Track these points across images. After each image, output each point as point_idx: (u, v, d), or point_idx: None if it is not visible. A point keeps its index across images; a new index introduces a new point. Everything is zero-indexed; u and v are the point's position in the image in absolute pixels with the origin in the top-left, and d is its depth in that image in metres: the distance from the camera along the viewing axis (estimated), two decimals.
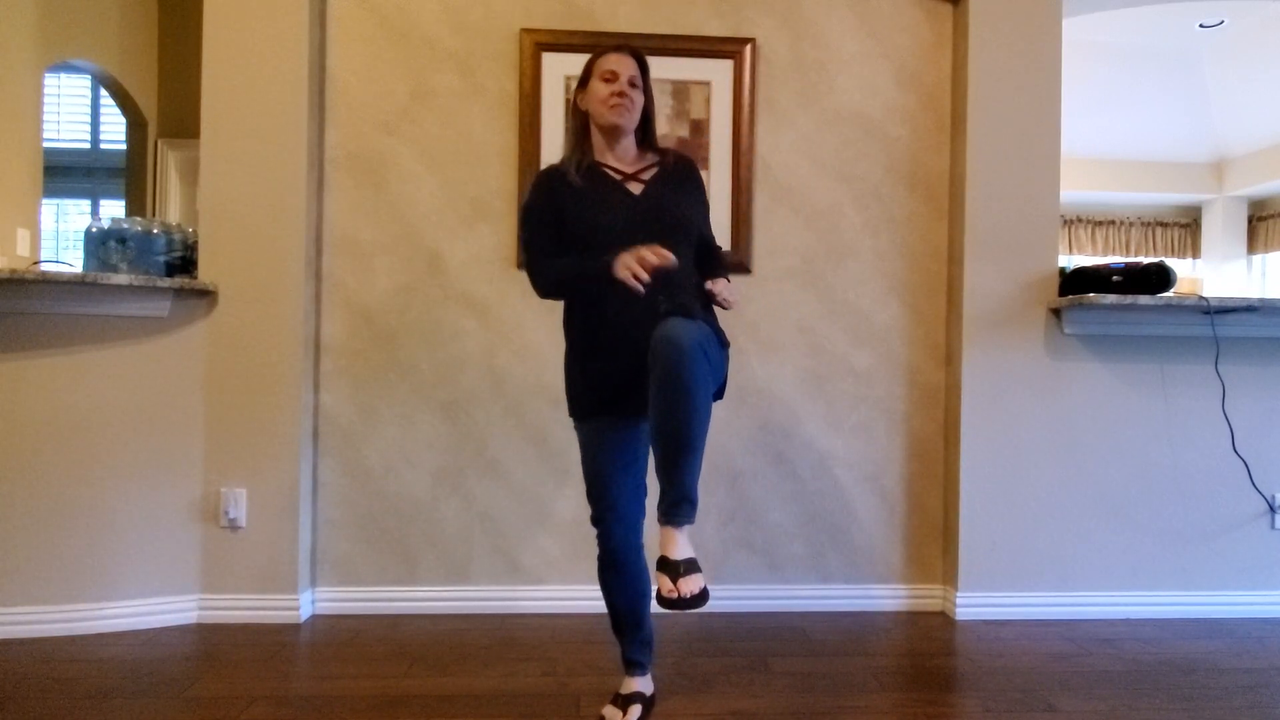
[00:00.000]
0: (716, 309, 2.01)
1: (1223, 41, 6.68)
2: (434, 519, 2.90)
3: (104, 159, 6.97)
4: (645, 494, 2.06)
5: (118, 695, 2.17)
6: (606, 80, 1.99)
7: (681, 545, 1.75)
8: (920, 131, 3.02)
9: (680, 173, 2.08)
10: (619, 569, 2.05)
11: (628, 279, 1.78)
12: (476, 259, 2.92)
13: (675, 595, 1.69)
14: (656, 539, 1.79)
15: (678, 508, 1.75)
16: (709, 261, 2.09)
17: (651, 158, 2.08)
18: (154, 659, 2.42)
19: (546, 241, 1.99)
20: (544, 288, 2.02)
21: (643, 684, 2.09)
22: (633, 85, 2.00)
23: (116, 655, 2.44)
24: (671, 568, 1.73)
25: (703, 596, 1.71)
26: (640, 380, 1.87)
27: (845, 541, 3.00)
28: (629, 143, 2.06)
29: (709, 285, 1.97)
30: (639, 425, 2.01)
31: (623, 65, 2.00)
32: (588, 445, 2.04)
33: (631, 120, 2.02)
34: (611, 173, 2.03)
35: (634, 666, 2.09)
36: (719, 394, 1.97)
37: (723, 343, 1.99)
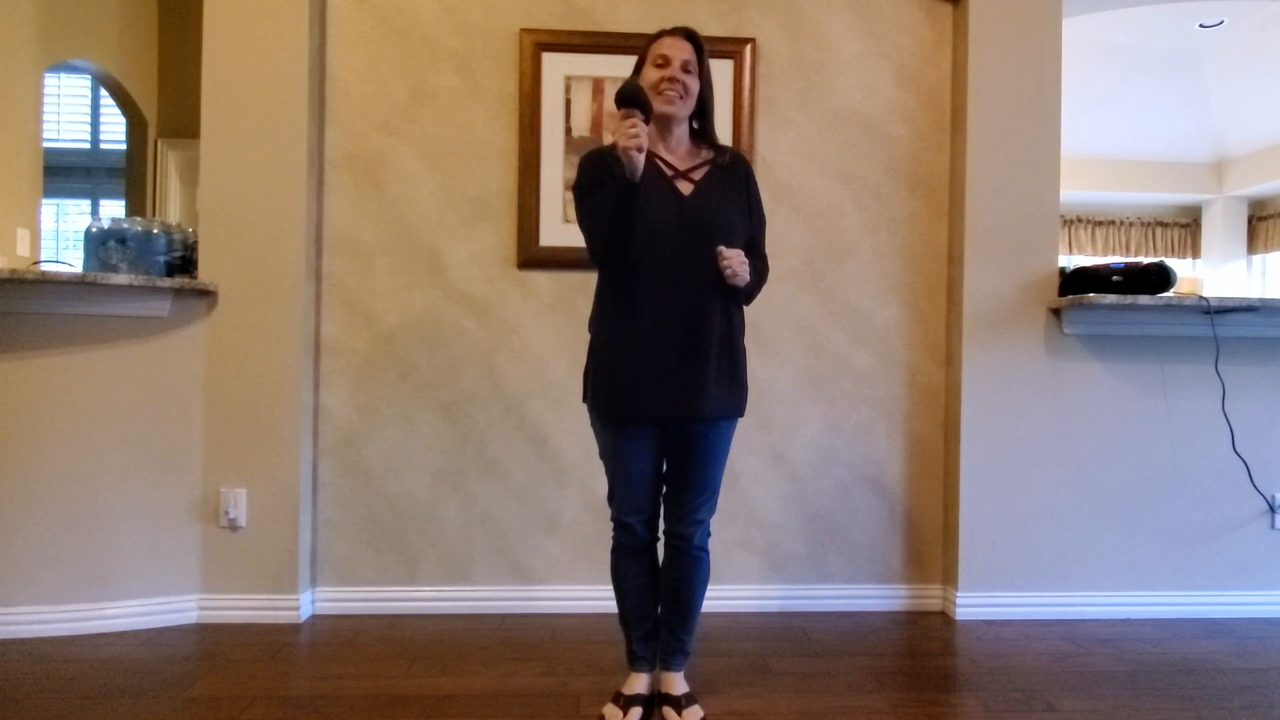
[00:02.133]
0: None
1: (1223, 41, 6.68)
2: (434, 519, 2.90)
3: (104, 159, 6.98)
4: (661, 482, 2.06)
5: (118, 695, 2.17)
6: (659, 65, 1.91)
7: (679, 682, 2.08)
8: (920, 131, 3.02)
9: (734, 175, 2.00)
10: (639, 559, 2.06)
11: (630, 152, 1.74)
12: (476, 259, 2.92)
13: None
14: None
15: (676, 657, 2.09)
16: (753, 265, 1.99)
17: (706, 154, 2.00)
18: (154, 659, 2.42)
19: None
20: (597, 243, 1.90)
21: (643, 684, 2.09)
22: (686, 71, 1.91)
23: (116, 655, 2.44)
24: (674, 702, 2.04)
25: None
26: (662, 415, 1.93)
27: (845, 541, 3.00)
28: (682, 133, 1.98)
29: (719, 251, 1.87)
30: (663, 428, 1.98)
31: (676, 49, 1.91)
32: (613, 448, 2.00)
33: (685, 108, 1.93)
34: (663, 166, 1.95)
35: (640, 660, 2.10)
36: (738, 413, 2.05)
37: (741, 410, 2.03)
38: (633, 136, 1.73)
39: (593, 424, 2.04)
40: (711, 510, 2.05)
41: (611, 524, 2.07)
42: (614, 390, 1.93)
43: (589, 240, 1.93)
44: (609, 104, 2.91)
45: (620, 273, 1.92)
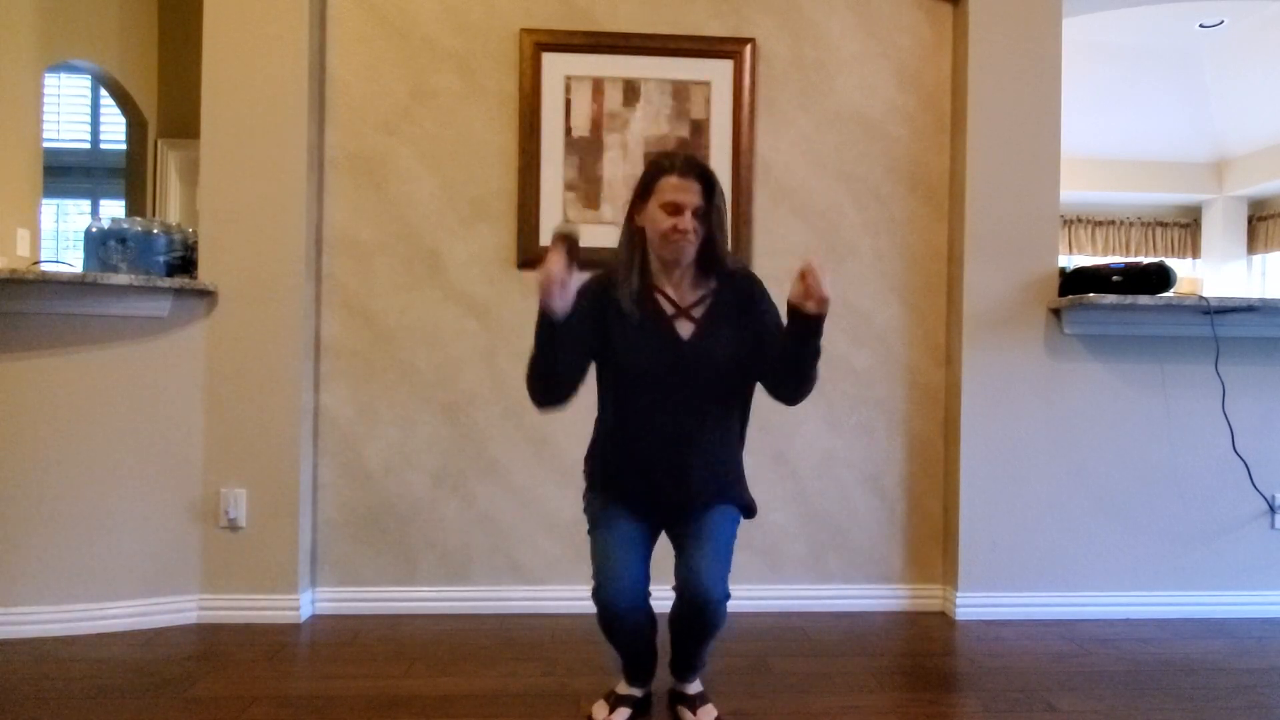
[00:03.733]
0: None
1: (1223, 41, 6.68)
2: (434, 519, 2.90)
3: (104, 159, 6.98)
4: (648, 568, 1.97)
5: (118, 695, 2.17)
6: (668, 212, 1.82)
7: (694, 686, 2.08)
8: (920, 131, 3.02)
9: (738, 302, 1.92)
10: (621, 628, 1.92)
11: (542, 294, 1.69)
12: (476, 259, 2.92)
13: None
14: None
15: (691, 671, 2.07)
16: (784, 343, 1.87)
17: (710, 285, 1.93)
18: (154, 659, 2.42)
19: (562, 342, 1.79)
20: (535, 391, 1.84)
21: (637, 689, 2.10)
22: (696, 216, 1.83)
23: (116, 655, 2.44)
24: (689, 701, 2.05)
25: None
26: (661, 516, 1.97)
27: (845, 541, 3.00)
28: (688, 267, 1.91)
29: (803, 269, 1.71)
30: (661, 520, 1.99)
31: (687, 195, 1.81)
32: (598, 521, 1.96)
33: (693, 252, 1.87)
34: (664, 303, 1.90)
35: (634, 680, 2.09)
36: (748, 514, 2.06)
37: (747, 512, 2.04)
38: (543, 272, 1.67)
39: (585, 508, 2.04)
40: (723, 575, 1.90)
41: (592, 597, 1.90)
42: (613, 482, 1.99)
43: (529, 378, 1.84)
44: (609, 104, 2.91)
45: (616, 403, 1.94)
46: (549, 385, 1.83)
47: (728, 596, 1.87)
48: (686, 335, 1.90)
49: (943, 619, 2.92)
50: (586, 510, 2.04)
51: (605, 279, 1.93)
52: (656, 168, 1.87)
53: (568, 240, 1.70)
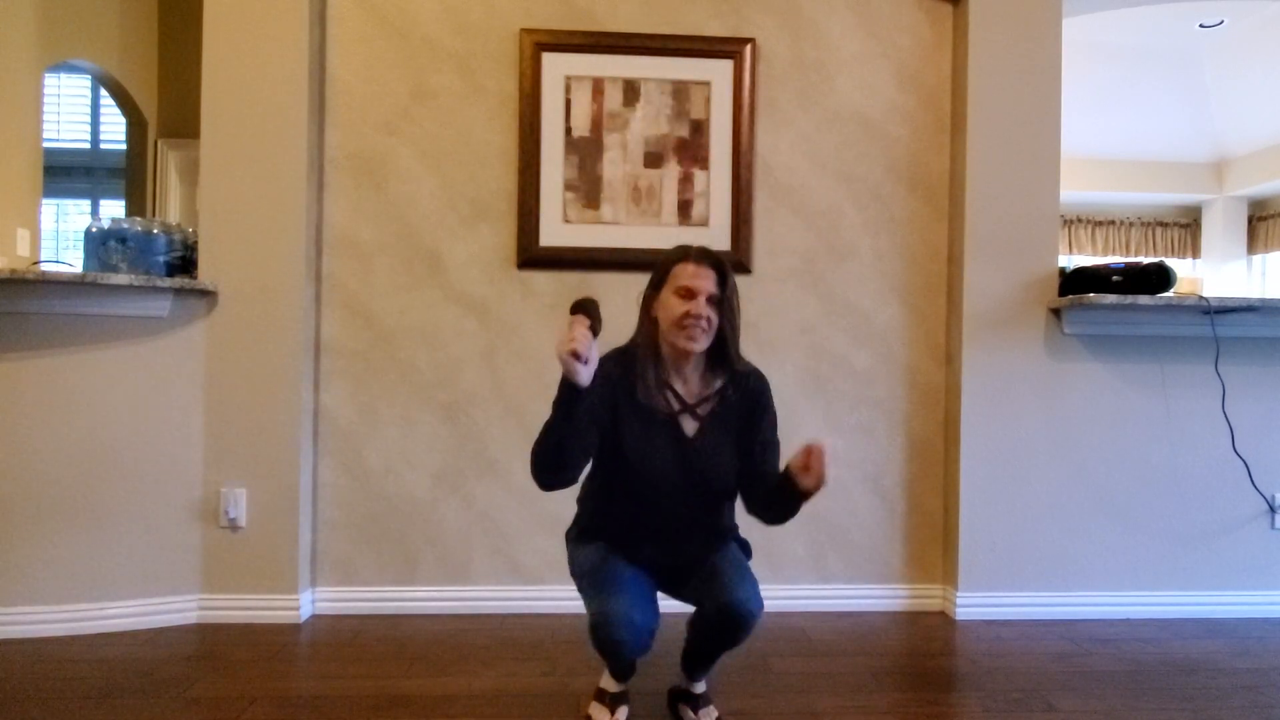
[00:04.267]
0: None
1: (1223, 41, 6.68)
2: (434, 519, 2.90)
3: (104, 159, 6.98)
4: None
5: (118, 695, 2.17)
6: (682, 297, 1.83)
7: (700, 685, 2.08)
8: (920, 131, 3.02)
9: (744, 405, 1.94)
10: (619, 642, 1.81)
11: (569, 364, 1.65)
12: (476, 259, 2.92)
13: None
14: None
15: (703, 672, 2.07)
16: (771, 487, 1.90)
17: (718, 383, 1.94)
18: (154, 659, 2.42)
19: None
20: (539, 464, 1.78)
21: (623, 684, 2.08)
22: (710, 303, 1.84)
23: (116, 655, 2.44)
24: (692, 700, 2.06)
25: None
26: (662, 580, 1.99)
27: (845, 541, 3.00)
28: (699, 361, 1.93)
29: (811, 447, 1.74)
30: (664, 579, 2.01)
31: (701, 281, 1.83)
32: (596, 562, 1.92)
33: (706, 343, 1.87)
34: (671, 398, 1.92)
35: (624, 679, 2.07)
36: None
37: (743, 548, 2.08)
38: (570, 341, 1.64)
39: (570, 559, 2.03)
40: (756, 590, 1.87)
41: (590, 621, 1.83)
42: (611, 541, 2.00)
43: (535, 452, 1.78)
44: (609, 104, 2.91)
45: (617, 495, 1.94)
46: (561, 458, 1.78)
47: (763, 607, 1.87)
48: (691, 433, 1.93)
49: (943, 619, 2.92)
50: (572, 561, 2.01)
51: (619, 359, 1.93)
52: (672, 258, 1.90)
53: (588, 310, 1.71)
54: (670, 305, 1.86)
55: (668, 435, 1.91)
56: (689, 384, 1.94)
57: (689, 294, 1.83)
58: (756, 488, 1.95)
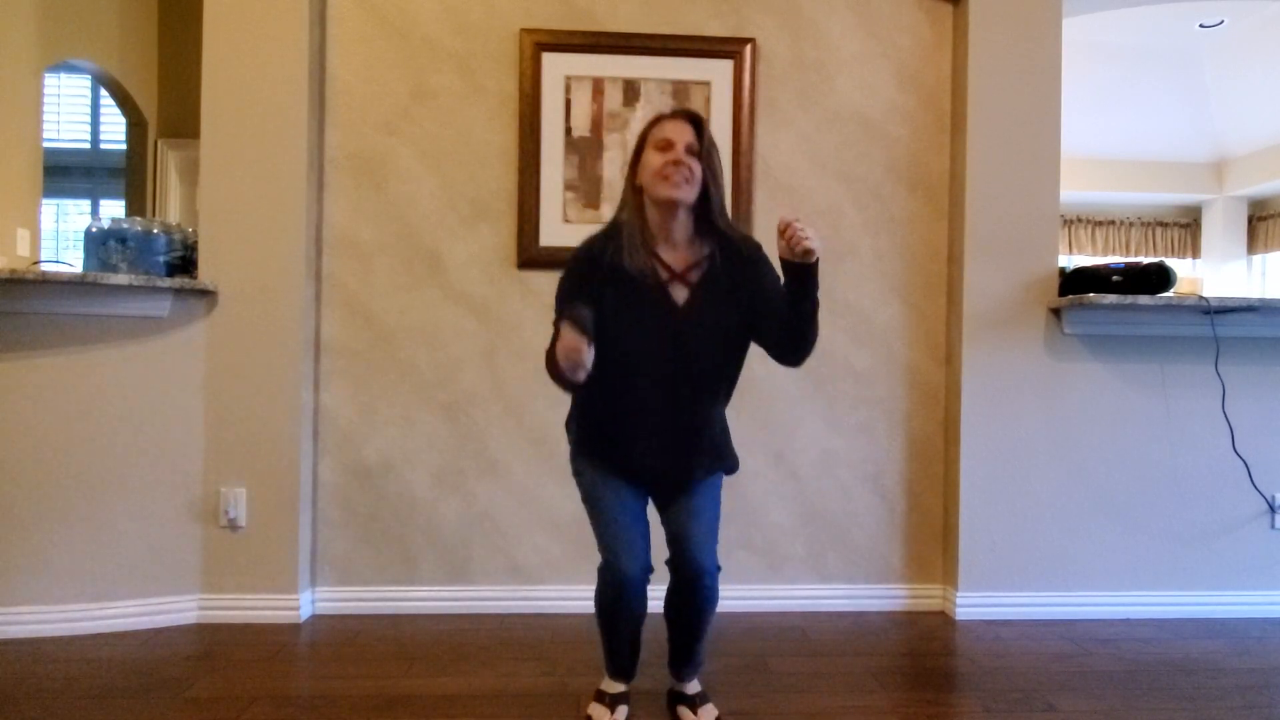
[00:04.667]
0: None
1: (1223, 41, 6.68)
2: (434, 519, 2.90)
3: (104, 159, 6.98)
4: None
5: (118, 695, 2.17)
6: (661, 149, 1.82)
7: (693, 685, 2.09)
8: (920, 131, 3.02)
9: (735, 266, 1.89)
10: (628, 602, 1.92)
11: (574, 373, 1.70)
12: (476, 259, 2.92)
13: None
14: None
15: (688, 668, 2.07)
16: (785, 316, 1.86)
17: (707, 248, 1.89)
18: (154, 659, 2.42)
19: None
20: (550, 370, 1.83)
21: (623, 683, 2.09)
22: (691, 154, 1.81)
23: (116, 655, 2.44)
24: (689, 701, 2.05)
25: None
26: (648, 486, 1.97)
27: (845, 541, 3.00)
28: (685, 221, 1.87)
29: (779, 225, 1.74)
30: (650, 486, 1.99)
31: (679, 132, 1.82)
32: (596, 490, 1.95)
33: (689, 194, 1.82)
34: (659, 267, 1.87)
35: (623, 675, 2.08)
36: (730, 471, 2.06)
37: (731, 468, 2.03)
38: (579, 367, 1.69)
39: (575, 473, 2.02)
40: (714, 548, 1.94)
41: (600, 562, 1.94)
42: (599, 450, 1.97)
43: (549, 353, 1.82)
44: (609, 104, 2.91)
45: (606, 375, 1.88)
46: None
47: (719, 569, 1.92)
48: (680, 301, 1.87)
49: (943, 619, 2.92)
50: (577, 475, 2.01)
51: (606, 237, 1.91)
52: (650, 122, 1.90)
53: (581, 323, 1.71)
54: (650, 160, 1.84)
55: (656, 305, 1.86)
56: (677, 250, 1.89)
57: (668, 145, 1.82)
58: (774, 324, 1.88)
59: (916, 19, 3.02)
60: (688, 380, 1.90)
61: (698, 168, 1.83)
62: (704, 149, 1.84)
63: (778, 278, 1.89)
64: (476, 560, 2.91)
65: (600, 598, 1.95)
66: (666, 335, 1.86)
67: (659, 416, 1.90)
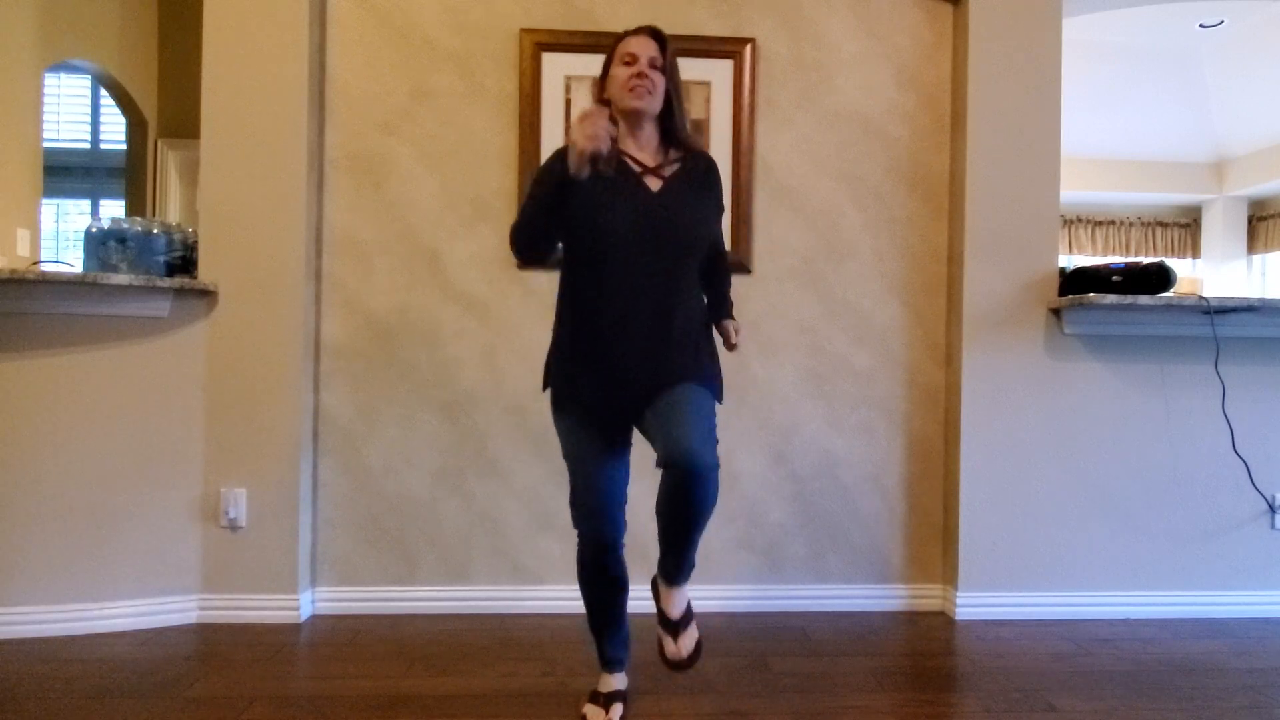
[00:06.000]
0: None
1: (1223, 41, 6.67)
2: (434, 519, 2.90)
3: (104, 159, 6.97)
4: (628, 481, 2.00)
5: (118, 695, 2.17)
6: (626, 63, 1.92)
7: (679, 600, 1.92)
8: (920, 131, 3.02)
9: (703, 176, 2.00)
10: (604, 569, 1.98)
11: (583, 160, 1.75)
12: (476, 259, 2.92)
13: (679, 657, 1.92)
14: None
15: (679, 572, 1.90)
16: (716, 267, 2.08)
17: (676, 154, 1.98)
18: (154, 659, 2.42)
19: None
20: (517, 243, 1.91)
21: (619, 680, 2.09)
22: (653, 67, 1.91)
23: (116, 655, 2.44)
24: (672, 627, 1.92)
25: (698, 651, 1.94)
26: (630, 403, 1.91)
27: (845, 541, 3.00)
28: (651, 132, 1.97)
29: (724, 327, 2.07)
30: (626, 425, 1.96)
31: (642, 46, 1.92)
32: (569, 443, 1.98)
33: (653, 104, 1.92)
34: (631, 163, 1.93)
35: (614, 664, 2.09)
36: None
37: (718, 396, 1.99)
38: (593, 139, 1.74)
39: (555, 422, 2.02)
40: (714, 448, 1.82)
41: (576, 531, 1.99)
42: (559, 383, 1.98)
43: (515, 227, 1.92)
44: None
45: (582, 268, 1.93)
46: (539, 238, 1.90)
47: (718, 465, 1.79)
48: (655, 189, 1.93)
49: (943, 619, 2.92)
50: (557, 425, 2.01)
51: (567, 150, 1.91)
52: (617, 39, 1.99)
53: (607, 115, 1.81)
54: (616, 74, 1.94)
55: (630, 192, 1.91)
56: (645, 152, 1.97)
57: (632, 59, 1.92)
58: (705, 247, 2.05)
59: (916, 19, 3.02)
60: (666, 270, 1.91)
61: (661, 80, 1.93)
62: (667, 63, 1.94)
63: (722, 207, 2.08)
64: (476, 560, 2.91)
65: (579, 559, 2.01)
66: (638, 214, 1.90)
67: (638, 303, 1.88)
